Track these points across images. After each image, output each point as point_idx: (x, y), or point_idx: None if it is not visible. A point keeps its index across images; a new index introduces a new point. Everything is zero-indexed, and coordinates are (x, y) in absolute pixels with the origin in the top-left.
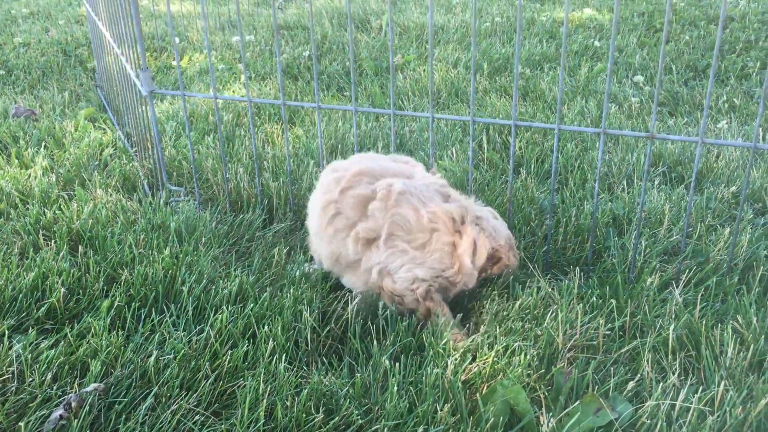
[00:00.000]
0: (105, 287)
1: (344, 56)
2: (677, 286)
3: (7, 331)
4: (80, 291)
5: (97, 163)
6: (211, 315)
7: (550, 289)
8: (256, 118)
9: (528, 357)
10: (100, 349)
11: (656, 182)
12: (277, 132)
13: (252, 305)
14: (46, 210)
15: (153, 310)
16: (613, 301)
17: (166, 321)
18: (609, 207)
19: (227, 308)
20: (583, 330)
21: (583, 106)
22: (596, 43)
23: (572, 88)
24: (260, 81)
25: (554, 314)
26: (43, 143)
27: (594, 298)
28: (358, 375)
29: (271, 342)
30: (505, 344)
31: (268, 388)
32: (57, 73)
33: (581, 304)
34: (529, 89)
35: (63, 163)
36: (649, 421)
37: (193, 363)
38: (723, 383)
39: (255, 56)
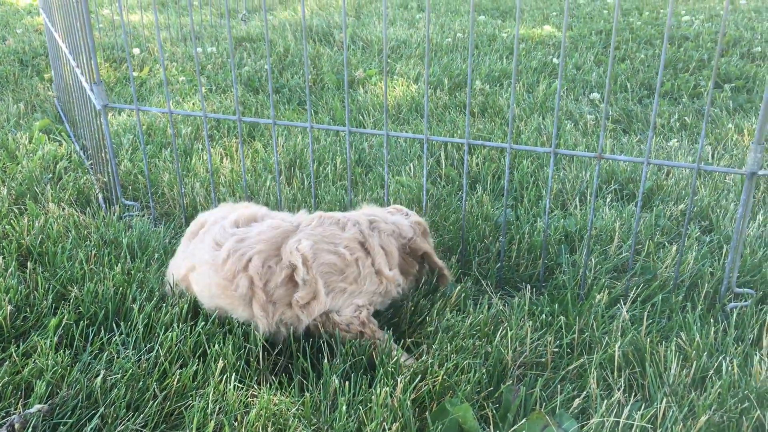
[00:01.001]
0: (54, 304)
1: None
2: (625, 303)
3: None
4: (28, 308)
5: (50, 176)
6: (161, 333)
7: (501, 306)
8: (215, 131)
9: (477, 375)
10: (46, 369)
11: (608, 199)
12: (235, 146)
13: (203, 323)
14: None
15: (102, 328)
16: (563, 318)
17: (115, 340)
18: (562, 224)
19: (178, 326)
20: (533, 347)
21: (540, 123)
22: (555, 60)
23: (530, 105)
24: (221, 94)
25: (504, 331)
26: None
27: (544, 315)
28: (308, 394)
29: (221, 361)
30: (455, 362)
31: (217, 408)
32: (13, 83)
33: (531, 321)
34: (488, 105)
35: (15, 177)
36: None
37: (140, 383)
38: (665, 400)
39: (216, 68)
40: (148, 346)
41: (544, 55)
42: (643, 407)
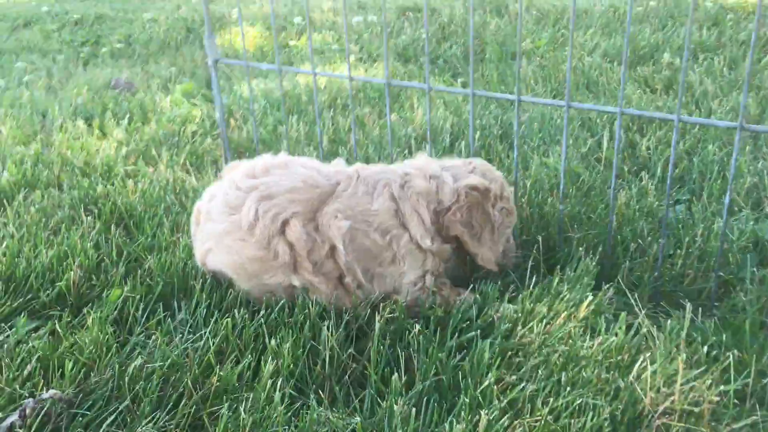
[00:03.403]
0: (127, 273)
1: (467, 39)
2: None
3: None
4: (94, 276)
5: (176, 138)
6: (219, 318)
7: (648, 328)
8: (356, 100)
9: (598, 420)
10: (83, 348)
11: None
12: (368, 115)
13: (266, 311)
14: (99, 185)
15: (163, 306)
16: (735, 353)
17: (168, 322)
18: (751, 228)
19: (239, 312)
20: (685, 390)
21: (737, 101)
22: None
23: (729, 82)
24: (371, 63)
25: (646, 363)
26: (127, 116)
27: (707, 347)
28: (359, 419)
29: (273, 361)
30: (568, 398)
31: (251, 420)
32: (174, 48)
33: (688, 353)
34: (675, 80)
35: (142, 137)
36: None
37: (175, 377)
38: None
39: (372, 38)
40: (200, 332)
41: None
42: None
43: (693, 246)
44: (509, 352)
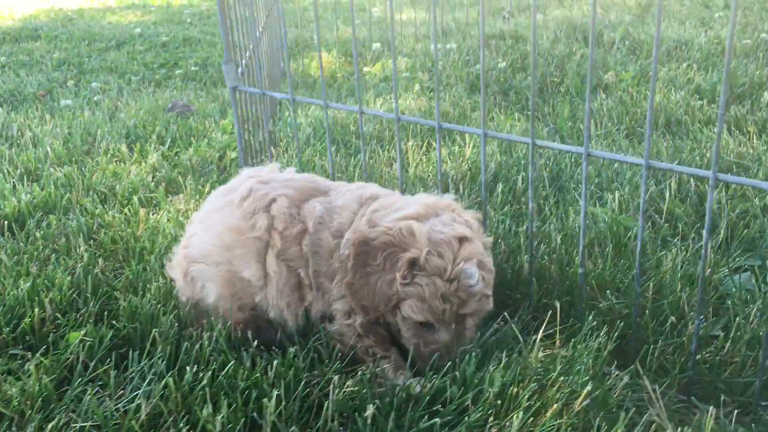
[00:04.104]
0: (101, 312)
1: (548, 70)
2: None
3: None
4: (67, 314)
5: (212, 166)
6: (158, 377)
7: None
8: (404, 132)
9: None
10: (12, 399)
11: None
12: (410, 149)
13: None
14: (110, 212)
15: (120, 355)
16: None
17: (111, 376)
18: None
19: (192, 368)
20: None
21: None
22: None
23: None
24: (441, 91)
25: None
26: (169, 140)
27: None
28: None
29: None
30: None
31: None
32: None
33: None
34: None
35: (177, 164)
36: None
37: None
38: None
39: (448, 65)
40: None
41: None
42: None
43: (745, 327)
44: None
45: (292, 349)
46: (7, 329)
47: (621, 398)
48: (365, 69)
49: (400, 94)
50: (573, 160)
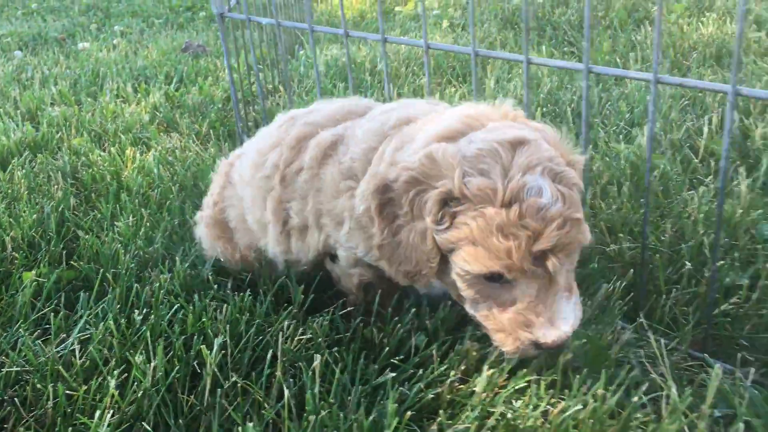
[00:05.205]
0: (67, 252)
1: (593, 3)
2: None
3: None
4: (28, 253)
5: (213, 106)
6: (103, 320)
7: (667, 390)
8: (437, 69)
9: None
10: None
11: None
12: (437, 87)
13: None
14: (97, 151)
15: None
16: None
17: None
18: None
19: (147, 309)
20: None
21: None
22: None
23: None
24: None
25: None
26: (176, 80)
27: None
28: None
29: (132, 386)
30: None
31: None
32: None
33: None
34: None
35: (178, 103)
36: None
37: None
38: None
39: (480, 1)
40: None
41: None
42: None
43: None
44: (426, 409)
45: (248, 293)
46: None
47: (622, 355)
48: (397, 9)
49: (428, 31)
50: (599, 94)
